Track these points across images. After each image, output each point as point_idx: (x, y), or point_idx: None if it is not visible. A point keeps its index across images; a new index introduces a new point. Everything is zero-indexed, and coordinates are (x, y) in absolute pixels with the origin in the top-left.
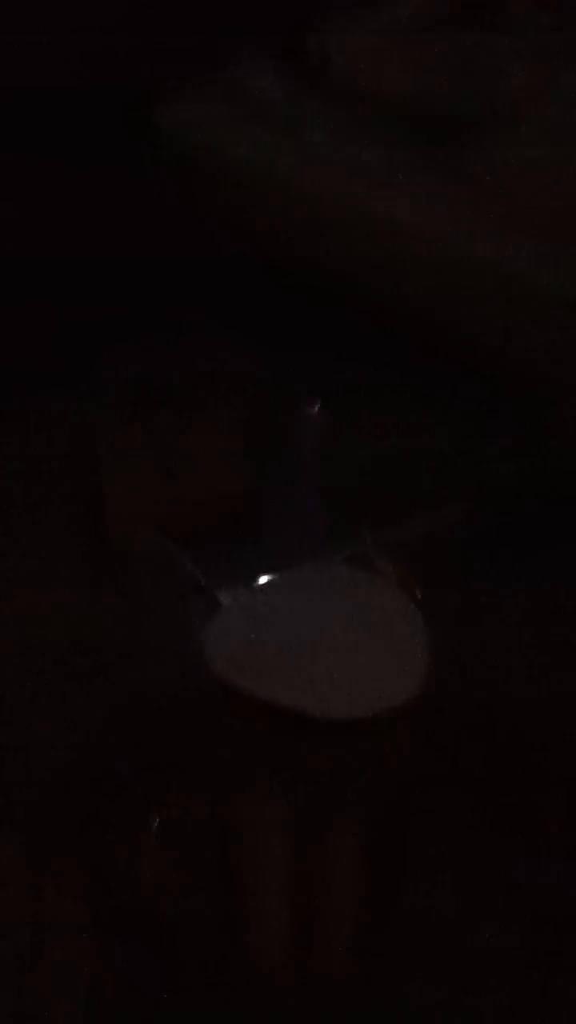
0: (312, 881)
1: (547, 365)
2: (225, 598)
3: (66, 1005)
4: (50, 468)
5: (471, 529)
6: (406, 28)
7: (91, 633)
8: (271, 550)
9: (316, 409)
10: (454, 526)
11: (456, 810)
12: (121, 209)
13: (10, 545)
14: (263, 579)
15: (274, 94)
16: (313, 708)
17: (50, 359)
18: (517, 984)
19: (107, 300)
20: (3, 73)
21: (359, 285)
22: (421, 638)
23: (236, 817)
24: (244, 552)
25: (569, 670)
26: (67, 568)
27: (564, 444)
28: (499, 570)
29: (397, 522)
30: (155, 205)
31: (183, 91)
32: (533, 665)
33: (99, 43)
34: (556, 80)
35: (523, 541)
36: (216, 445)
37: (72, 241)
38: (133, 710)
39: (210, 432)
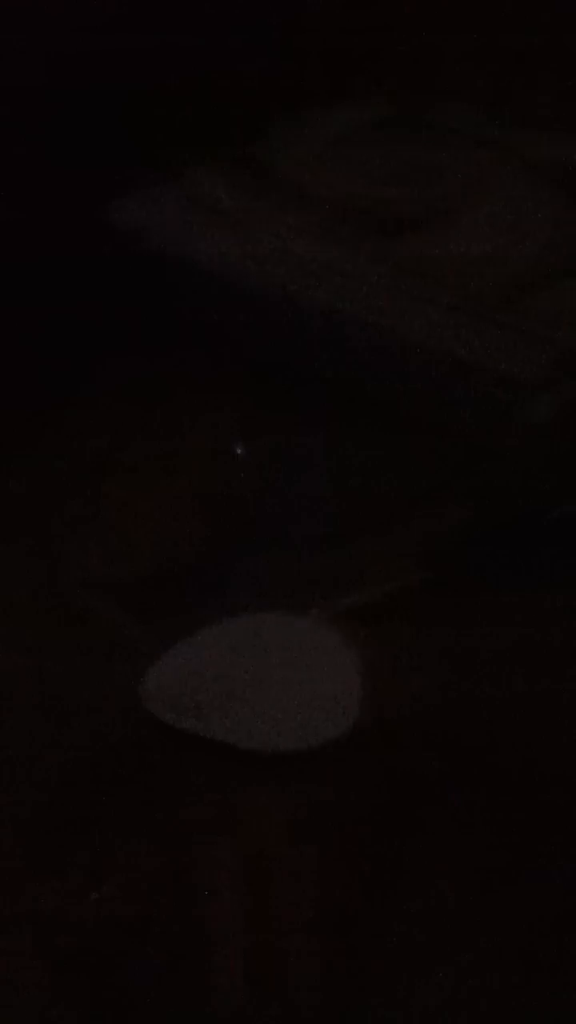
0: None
1: (486, 432)
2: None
3: None
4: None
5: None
6: (347, 136)
7: (51, 686)
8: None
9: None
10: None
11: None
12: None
13: None
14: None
15: (223, 193)
16: (244, 743)
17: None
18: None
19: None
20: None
21: (313, 370)
22: (352, 679)
23: (197, 860)
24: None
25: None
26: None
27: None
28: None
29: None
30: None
31: (137, 195)
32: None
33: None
34: (488, 179)
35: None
36: (171, 509)
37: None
38: (92, 758)
39: (164, 496)
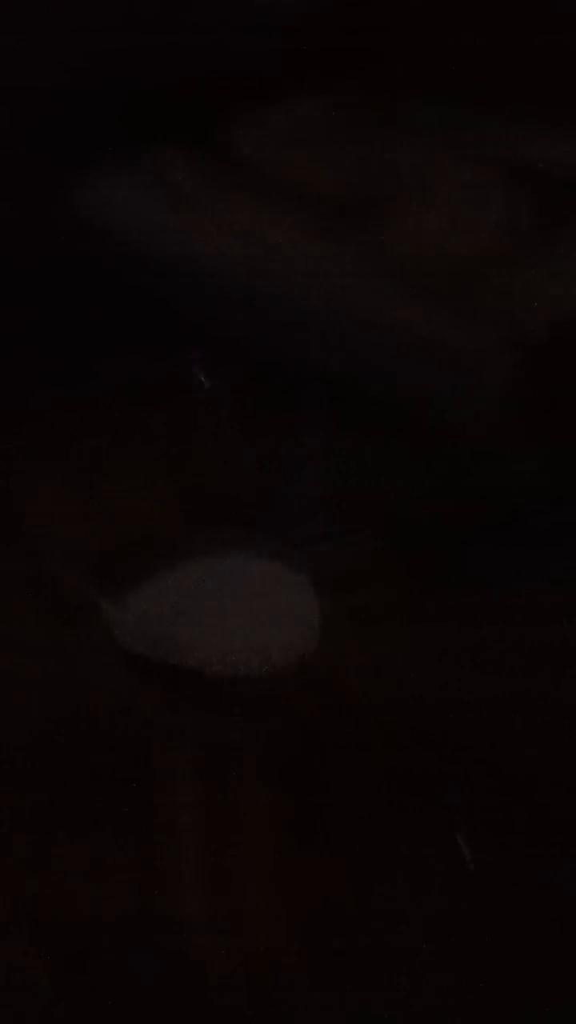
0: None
1: (448, 408)
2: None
3: None
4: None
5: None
6: (312, 124)
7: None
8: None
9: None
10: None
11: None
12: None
13: None
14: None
15: (189, 179)
16: (211, 667)
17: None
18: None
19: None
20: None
21: (279, 355)
22: (311, 608)
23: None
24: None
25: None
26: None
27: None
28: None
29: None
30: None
31: (101, 175)
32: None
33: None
34: (445, 168)
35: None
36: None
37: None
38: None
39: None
